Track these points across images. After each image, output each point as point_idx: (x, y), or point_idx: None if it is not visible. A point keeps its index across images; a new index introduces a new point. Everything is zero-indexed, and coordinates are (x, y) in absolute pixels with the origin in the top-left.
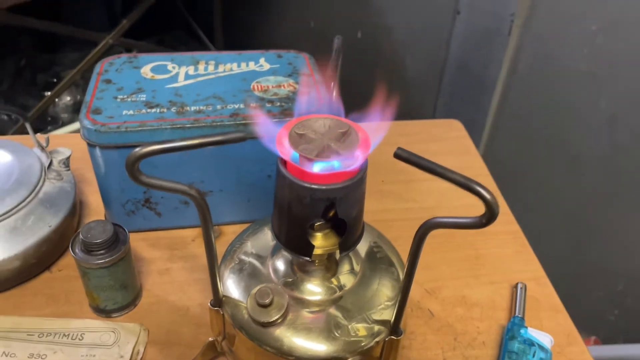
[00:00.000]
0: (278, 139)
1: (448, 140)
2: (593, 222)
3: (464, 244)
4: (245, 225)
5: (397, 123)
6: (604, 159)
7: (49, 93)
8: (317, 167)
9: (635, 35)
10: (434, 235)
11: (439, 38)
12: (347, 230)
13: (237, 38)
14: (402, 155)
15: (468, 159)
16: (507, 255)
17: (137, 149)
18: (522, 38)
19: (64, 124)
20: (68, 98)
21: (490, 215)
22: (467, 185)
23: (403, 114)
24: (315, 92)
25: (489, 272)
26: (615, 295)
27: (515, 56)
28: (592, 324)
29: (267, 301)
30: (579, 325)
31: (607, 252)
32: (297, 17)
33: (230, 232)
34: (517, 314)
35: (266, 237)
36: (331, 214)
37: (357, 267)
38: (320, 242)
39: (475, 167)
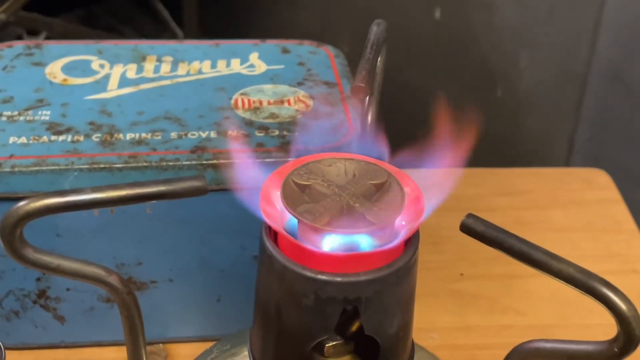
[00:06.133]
0: (264, 192)
1: (585, 205)
2: None
3: None
4: (211, 344)
5: (495, 171)
6: None
7: None
8: (329, 244)
9: None
10: None
11: (578, 28)
12: (381, 357)
13: (223, 18)
14: (472, 228)
15: (620, 240)
16: None
17: (21, 203)
18: None
19: None
20: None
21: (627, 339)
22: (583, 283)
23: (507, 155)
24: (343, 113)
25: None
26: None
27: None
28: None
29: None
30: None
31: None
32: None
33: (185, 354)
34: None
35: None
36: (353, 327)
37: None
38: None
39: (632, 256)
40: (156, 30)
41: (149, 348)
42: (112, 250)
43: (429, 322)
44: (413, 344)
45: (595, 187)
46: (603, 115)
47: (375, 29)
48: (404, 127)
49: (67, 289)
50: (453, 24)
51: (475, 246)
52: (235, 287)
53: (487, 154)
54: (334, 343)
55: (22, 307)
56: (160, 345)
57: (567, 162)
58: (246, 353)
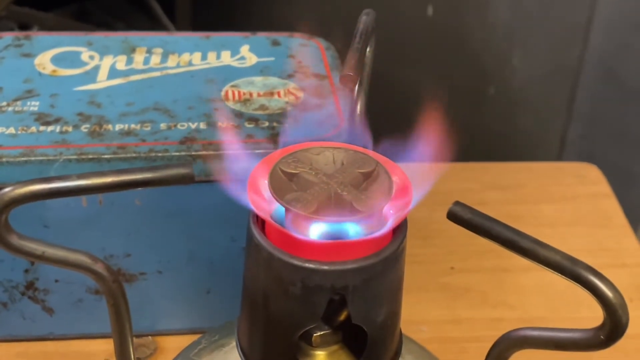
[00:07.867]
0: (251, 181)
1: (576, 200)
2: None
3: None
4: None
5: (487, 166)
6: None
7: None
8: (316, 232)
9: None
10: None
11: (571, 24)
12: (368, 347)
13: (216, 15)
14: (459, 215)
15: (610, 235)
16: None
17: (6, 190)
18: None
19: None
20: None
21: (613, 327)
22: (569, 270)
23: (500, 153)
24: (333, 105)
25: None
26: None
27: None
28: None
29: None
30: None
31: None
32: None
33: (174, 347)
34: None
35: (229, 358)
36: (341, 317)
37: None
38: None
39: (622, 251)
40: (149, 26)
41: (137, 341)
42: (100, 242)
43: (420, 315)
44: (401, 334)
45: (586, 182)
46: (595, 111)
47: (365, 19)
48: (396, 125)
49: (56, 281)
50: (445, 21)
51: (466, 240)
52: (225, 279)
53: (479, 151)
54: (322, 332)
55: (10, 298)
56: (149, 337)
57: (559, 159)
58: (234, 344)
